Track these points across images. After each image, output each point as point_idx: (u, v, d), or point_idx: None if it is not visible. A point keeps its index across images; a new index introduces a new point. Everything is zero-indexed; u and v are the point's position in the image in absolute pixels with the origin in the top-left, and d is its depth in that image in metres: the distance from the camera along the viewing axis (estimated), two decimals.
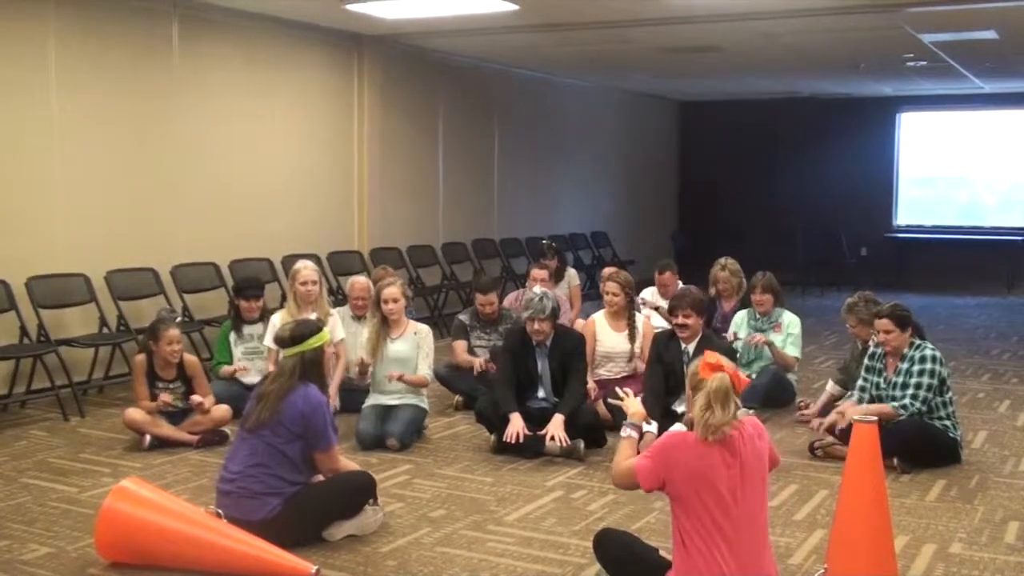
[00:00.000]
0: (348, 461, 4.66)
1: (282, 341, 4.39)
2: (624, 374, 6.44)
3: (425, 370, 6.10)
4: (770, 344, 6.79)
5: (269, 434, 4.18)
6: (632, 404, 3.90)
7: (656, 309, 7.49)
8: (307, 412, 4.21)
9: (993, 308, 12.61)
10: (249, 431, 4.25)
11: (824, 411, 6.27)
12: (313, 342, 4.36)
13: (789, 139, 15.55)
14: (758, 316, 7.01)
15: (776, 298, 6.98)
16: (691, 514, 3.30)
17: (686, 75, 12.90)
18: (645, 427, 5.40)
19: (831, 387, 6.46)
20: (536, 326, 5.75)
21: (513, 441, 5.54)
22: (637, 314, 6.70)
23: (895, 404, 5.38)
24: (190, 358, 6.09)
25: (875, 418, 3.75)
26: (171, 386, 5.97)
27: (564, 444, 5.50)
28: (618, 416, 5.75)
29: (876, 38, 9.65)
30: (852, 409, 5.63)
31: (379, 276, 7.34)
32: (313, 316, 5.91)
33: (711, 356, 3.45)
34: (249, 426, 4.25)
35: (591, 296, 9.98)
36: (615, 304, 6.49)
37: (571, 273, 8.76)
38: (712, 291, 7.66)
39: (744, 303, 7.31)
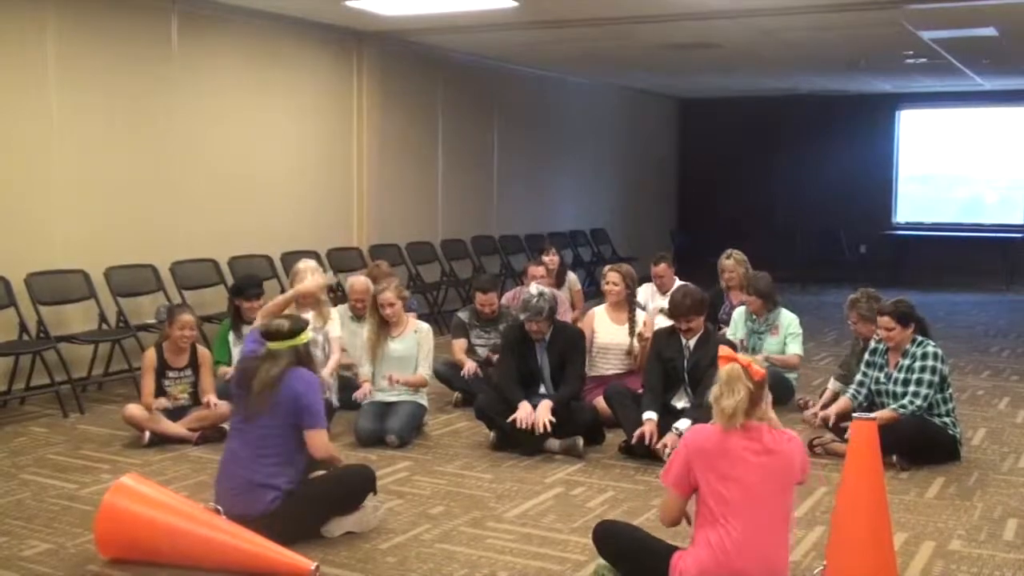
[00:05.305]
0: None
1: (278, 334, 4.31)
2: (622, 370, 6.43)
3: (425, 370, 6.11)
4: (770, 363, 6.74)
5: (267, 420, 4.15)
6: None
7: (662, 311, 7.37)
8: (301, 390, 4.21)
9: (992, 305, 12.61)
10: (247, 419, 4.22)
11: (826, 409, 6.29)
12: (304, 337, 4.34)
13: (789, 136, 15.55)
14: (754, 317, 6.99)
15: (766, 301, 6.90)
16: (708, 496, 3.39)
17: (685, 72, 12.89)
18: (645, 416, 5.43)
19: (833, 385, 6.42)
20: (534, 327, 5.78)
21: (522, 426, 5.53)
22: (640, 311, 6.66)
23: (894, 406, 5.38)
24: (203, 349, 6.15)
25: (874, 415, 3.75)
26: (182, 375, 5.99)
27: (547, 428, 5.47)
28: (619, 413, 5.79)
29: (876, 35, 9.64)
30: (846, 402, 5.66)
31: (373, 274, 7.34)
32: (310, 315, 5.88)
33: (725, 350, 3.58)
34: (247, 413, 4.21)
35: (591, 294, 9.96)
36: (614, 294, 6.47)
37: (572, 278, 8.63)
38: (721, 282, 7.63)
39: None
